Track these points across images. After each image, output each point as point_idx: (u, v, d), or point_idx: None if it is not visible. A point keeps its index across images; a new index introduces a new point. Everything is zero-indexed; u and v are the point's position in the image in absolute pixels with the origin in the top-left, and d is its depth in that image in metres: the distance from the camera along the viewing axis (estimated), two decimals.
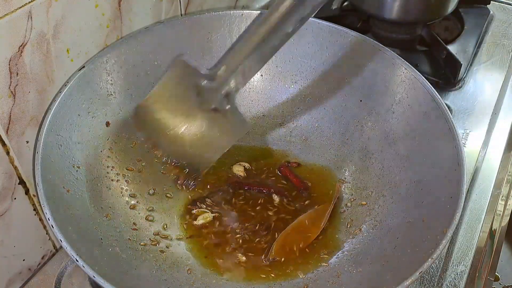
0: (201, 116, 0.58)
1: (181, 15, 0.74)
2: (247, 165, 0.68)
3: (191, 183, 0.63)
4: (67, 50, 0.57)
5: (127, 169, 0.62)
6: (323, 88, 0.70)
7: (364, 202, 0.63)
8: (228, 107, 0.55)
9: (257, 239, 0.60)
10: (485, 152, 0.77)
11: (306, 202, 0.65)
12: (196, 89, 0.56)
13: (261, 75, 0.72)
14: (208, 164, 0.61)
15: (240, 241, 0.60)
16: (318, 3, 0.47)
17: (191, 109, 0.58)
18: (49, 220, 0.47)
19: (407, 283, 0.46)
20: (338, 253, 0.59)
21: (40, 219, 0.62)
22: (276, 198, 0.65)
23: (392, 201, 0.60)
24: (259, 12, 0.69)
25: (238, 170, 0.68)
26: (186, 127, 0.59)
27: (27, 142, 0.56)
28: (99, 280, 0.44)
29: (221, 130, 0.58)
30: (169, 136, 0.59)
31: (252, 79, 0.72)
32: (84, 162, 0.57)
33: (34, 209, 0.60)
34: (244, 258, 0.58)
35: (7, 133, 0.53)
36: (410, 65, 0.63)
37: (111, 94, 0.62)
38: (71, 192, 0.53)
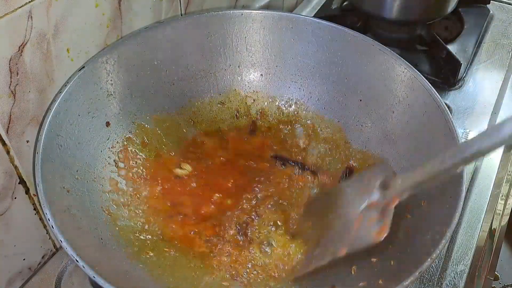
0: (351, 211, 0.55)
1: (181, 15, 0.74)
2: None
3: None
4: (67, 50, 0.57)
5: (127, 169, 0.62)
6: (323, 88, 0.70)
7: None
8: (378, 212, 0.52)
9: None
10: None
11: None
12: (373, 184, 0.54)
13: (261, 75, 0.72)
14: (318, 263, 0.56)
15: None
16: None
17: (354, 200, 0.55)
18: (49, 220, 0.47)
19: (407, 282, 0.46)
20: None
21: (40, 219, 0.62)
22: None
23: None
24: (259, 12, 0.69)
25: None
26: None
27: (27, 141, 0.56)
28: (99, 280, 0.44)
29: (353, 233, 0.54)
30: None
31: (252, 79, 0.72)
32: (84, 162, 0.57)
33: (34, 209, 0.60)
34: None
35: (7, 132, 0.53)
36: (410, 65, 0.63)
37: (111, 94, 0.62)
38: (71, 192, 0.53)
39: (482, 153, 0.46)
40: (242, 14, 0.69)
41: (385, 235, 0.52)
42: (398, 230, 0.56)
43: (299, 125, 0.72)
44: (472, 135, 0.78)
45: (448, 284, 0.62)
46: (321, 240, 0.57)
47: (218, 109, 0.72)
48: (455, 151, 0.48)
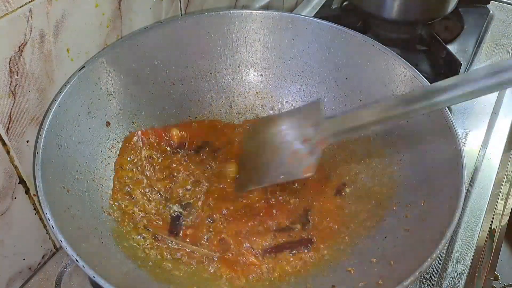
0: (283, 146, 0.59)
1: (181, 15, 0.74)
2: None
3: None
4: (67, 50, 0.57)
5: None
6: (323, 88, 0.70)
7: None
8: (309, 150, 0.56)
9: None
10: (485, 152, 0.77)
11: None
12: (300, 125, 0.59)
13: (261, 75, 0.72)
14: (255, 185, 0.62)
15: None
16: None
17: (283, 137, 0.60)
18: (49, 220, 0.47)
19: (407, 282, 0.46)
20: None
21: (40, 219, 0.62)
22: None
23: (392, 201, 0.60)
24: (259, 12, 0.69)
25: None
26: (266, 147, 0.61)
27: (27, 141, 0.56)
28: (99, 280, 0.44)
29: (287, 164, 0.58)
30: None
31: (252, 79, 0.72)
32: (84, 162, 0.57)
33: (34, 209, 0.60)
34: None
35: (7, 132, 0.53)
36: (410, 65, 0.63)
37: (111, 94, 0.62)
38: (71, 192, 0.53)
39: (400, 116, 0.49)
40: (242, 14, 0.69)
41: (311, 174, 0.57)
42: (398, 230, 0.56)
43: None
44: (472, 135, 0.78)
45: (448, 284, 0.62)
46: (260, 166, 0.61)
47: (217, 109, 0.72)
48: (376, 108, 0.52)
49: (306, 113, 0.60)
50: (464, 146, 0.76)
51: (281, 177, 0.59)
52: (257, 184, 0.62)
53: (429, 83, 0.61)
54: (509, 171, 0.79)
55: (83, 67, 0.58)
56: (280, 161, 0.58)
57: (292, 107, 0.72)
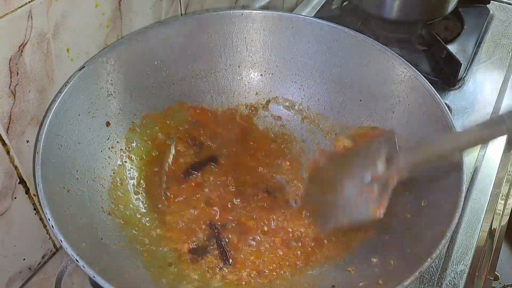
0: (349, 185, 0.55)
1: (181, 15, 0.74)
2: None
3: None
4: (67, 50, 0.57)
5: (128, 170, 0.62)
6: (323, 88, 0.70)
7: None
8: (379, 188, 0.52)
9: None
10: (485, 152, 0.77)
11: None
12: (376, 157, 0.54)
13: (261, 75, 0.72)
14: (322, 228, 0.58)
15: None
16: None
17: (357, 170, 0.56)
18: (49, 220, 0.47)
19: (407, 282, 0.46)
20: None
21: (40, 219, 0.62)
22: None
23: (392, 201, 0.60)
24: (259, 12, 0.69)
25: None
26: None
27: (27, 141, 0.56)
28: (99, 280, 0.44)
29: (354, 205, 0.55)
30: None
31: (252, 79, 0.72)
32: (84, 162, 0.57)
33: (34, 209, 0.60)
34: None
35: (7, 132, 0.53)
36: (410, 65, 0.63)
37: (111, 94, 0.62)
38: (71, 192, 0.53)
39: (479, 141, 0.47)
40: (242, 14, 0.69)
41: (383, 213, 0.52)
42: (398, 230, 0.56)
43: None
44: None
45: (448, 284, 0.62)
46: (326, 210, 0.57)
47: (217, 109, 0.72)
48: (454, 136, 0.49)
49: (377, 147, 0.55)
50: None
51: (349, 218, 0.54)
52: (323, 227, 0.57)
53: (428, 83, 0.61)
54: (509, 171, 0.79)
55: (83, 67, 0.58)
56: (347, 202, 0.54)
57: (293, 107, 0.72)
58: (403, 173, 0.52)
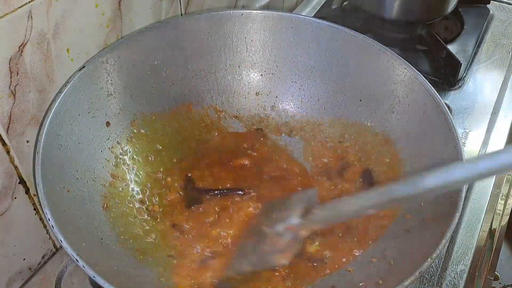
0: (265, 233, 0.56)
1: (181, 15, 0.74)
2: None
3: None
4: (67, 50, 0.57)
5: (127, 169, 0.62)
6: (323, 88, 0.70)
7: None
8: (289, 238, 0.54)
9: None
10: (485, 152, 0.77)
11: None
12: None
13: (261, 75, 0.72)
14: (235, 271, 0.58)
15: None
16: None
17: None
18: (49, 220, 0.47)
19: (407, 282, 0.46)
20: None
21: (40, 219, 0.62)
22: None
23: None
24: (259, 12, 0.69)
25: None
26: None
27: (27, 141, 0.56)
28: (99, 280, 0.44)
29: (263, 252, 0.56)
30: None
31: (252, 79, 0.72)
32: (84, 162, 0.57)
33: (34, 209, 0.60)
34: None
35: (7, 132, 0.53)
36: (410, 65, 0.63)
37: (111, 94, 0.62)
38: (71, 192, 0.53)
39: (396, 200, 0.49)
40: (242, 14, 0.69)
41: (285, 263, 0.54)
42: (398, 230, 0.56)
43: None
44: (472, 135, 0.78)
45: (448, 284, 0.62)
46: (240, 252, 0.58)
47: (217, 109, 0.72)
48: (375, 194, 0.50)
49: (298, 201, 0.56)
50: (464, 146, 0.76)
51: (250, 266, 0.56)
52: (237, 270, 0.58)
53: (428, 83, 0.61)
54: (509, 171, 0.79)
55: (83, 67, 0.58)
56: (253, 247, 0.56)
57: (291, 108, 0.72)
58: (316, 227, 0.55)
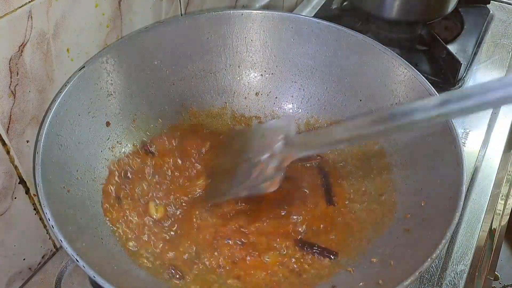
0: (250, 160, 0.58)
1: (181, 15, 0.74)
2: None
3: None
4: (67, 50, 0.57)
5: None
6: (323, 88, 0.71)
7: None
8: (274, 165, 0.55)
9: None
10: (485, 152, 0.77)
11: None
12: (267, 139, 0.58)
13: (261, 75, 0.72)
14: (219, 199, 0.61)
15: None
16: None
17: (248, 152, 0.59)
18: (49, 220, 0.47)
19: (407, 282, 0.46)
20: None
21: (41, 219, 0.62)
22: None
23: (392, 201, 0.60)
24: (259, 12, 0.69)
25: None
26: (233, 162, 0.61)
27: (27, 141, 0.56)
28: (99, 280, 0.44)
29: (251, 179, 0.58)
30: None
31: (252, 79, 0.72)
32: (84, 162, 0.57)
33: (35, 209, 0.60)
34: None
35: (7, 132, 0.53)
36: (410, 65, 0.63)
37: (111, 94, 0.62)
38: (71, 192, 0.53)
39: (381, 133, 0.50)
40: (242, 14, 0.69)
41: (274, 189, 0.56)
42: (398, 230, 0.56)
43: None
44: (472, 135, 0.78)
45: (448, 284, 0.62)
46: (226, 178, 0.60)
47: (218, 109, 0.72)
48: (359, 123, 0.50)
49: (277, 128, 0.58)
50: (464, 146, 0.76)
51: (245, 191, 0.58)
52: (221, 197, 0.61)
53: (428, 83, 0.61)
54: (509, 171, 0.79)
55: (83, 67, 0.59)
56: (245, 175, 0.58)
57: (291, 108, 0.72)
58: (298, 154, 0.55)
